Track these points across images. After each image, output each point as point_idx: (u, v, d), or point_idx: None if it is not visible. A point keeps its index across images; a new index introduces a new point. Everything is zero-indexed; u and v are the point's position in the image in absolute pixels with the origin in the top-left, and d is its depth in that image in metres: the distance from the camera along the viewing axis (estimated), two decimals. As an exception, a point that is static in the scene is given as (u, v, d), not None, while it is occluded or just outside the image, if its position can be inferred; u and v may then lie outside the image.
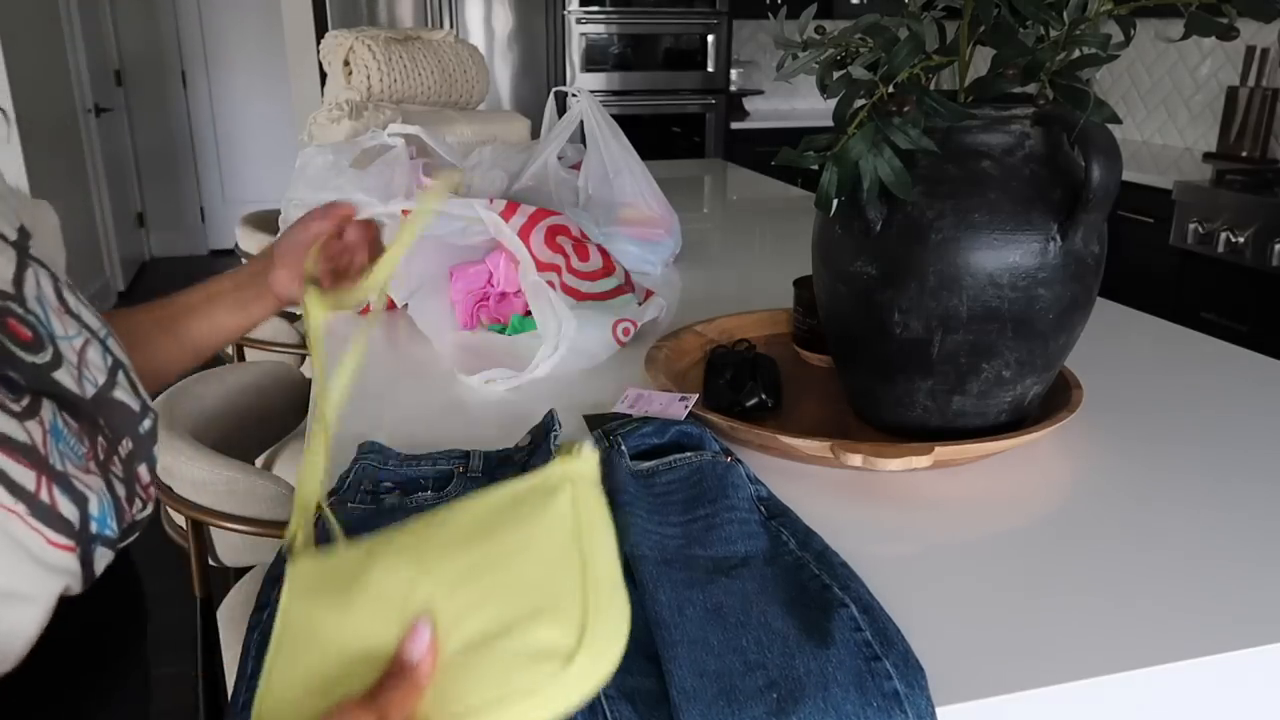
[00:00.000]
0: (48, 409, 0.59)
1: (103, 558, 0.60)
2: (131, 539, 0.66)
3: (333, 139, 1.87)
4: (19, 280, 0.61)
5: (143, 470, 0.67)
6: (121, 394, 0.66)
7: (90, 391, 0.63)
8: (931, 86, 0.91)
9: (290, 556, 0.51)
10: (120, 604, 0.72)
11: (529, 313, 1.34)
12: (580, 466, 0.45)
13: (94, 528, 0.59)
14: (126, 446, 0.65)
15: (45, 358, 0.61)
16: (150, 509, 0.68)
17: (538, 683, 0.40)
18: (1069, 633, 0.71)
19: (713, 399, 1.06)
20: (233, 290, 0.92)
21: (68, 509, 0.57)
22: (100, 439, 0.63)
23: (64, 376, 0.61)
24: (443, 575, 0.42)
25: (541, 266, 1.32)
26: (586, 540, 0.42)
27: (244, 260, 2.26)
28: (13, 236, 0.63)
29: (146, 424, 0.68)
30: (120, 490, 0.63)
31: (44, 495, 0.56)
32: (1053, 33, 0.87)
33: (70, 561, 0.57)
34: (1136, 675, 0.67)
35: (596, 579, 0.42)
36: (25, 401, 0.57)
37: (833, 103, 0.91)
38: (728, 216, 2.33)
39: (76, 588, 0.59)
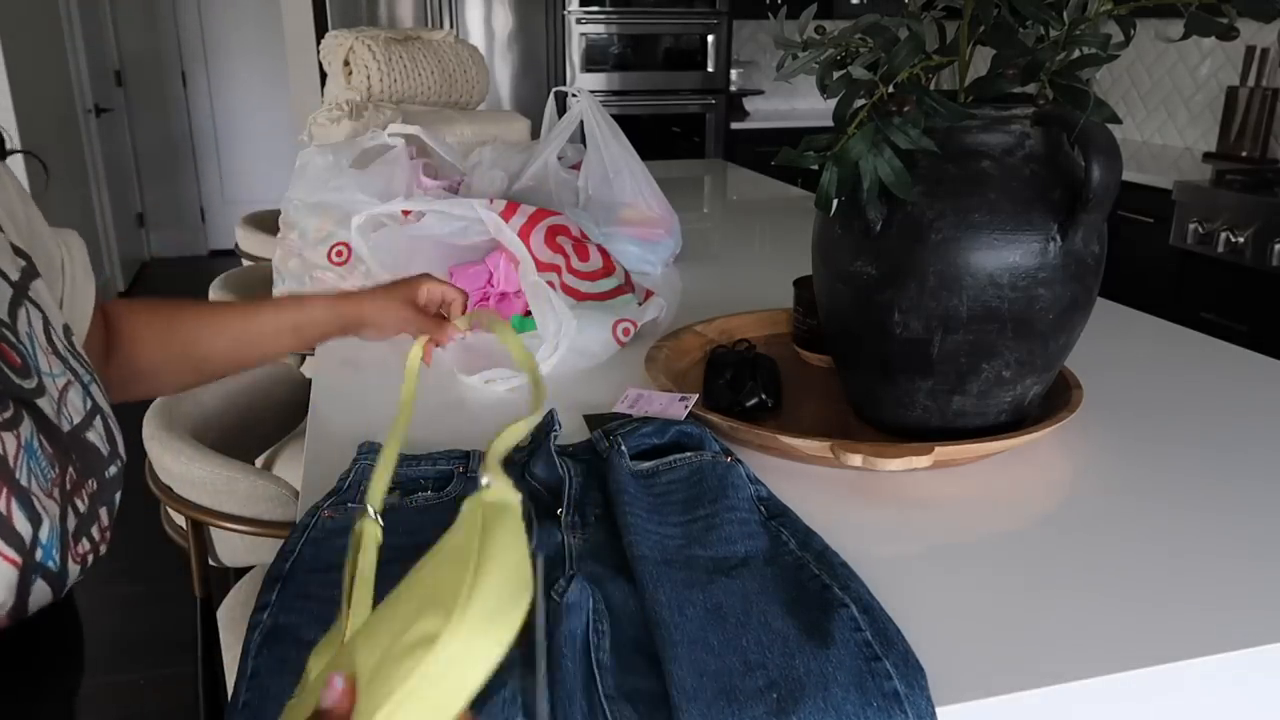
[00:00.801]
0: (26, 426, 0.59)
1: (40, 594, 0.60)
2: (72, 582, 0.65)
3: (333, 139, 1.87)
4: (13, 314, 0.63)
5: (103, 513, 0.67)
6: (94, 436, 0.67)
7: (65, 428, 0.64)
8: (931, 86, 0.91)
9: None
10: (56, 650, 0.71)
11: (529, 313, 1.34)
12: (490, 495, 0.46)
13: (39, 555, 0.59)
14: (91, 487, 0.66)
15: (30, 385, 0.62)
16: (102, 552, 0.67)
17: (411, 670, 0.40)
18: (1069, 633, 0.71)
19: (713, 399, 1.06)
20: (321, 333, 1.02)
21: (22, 525, 0.57)
22: (71, 470, 0.63)
23: (45, 405, 0.62)
24: (371, 619, 0.45)
25: (541, 266, 1.32)
26: (485, 540, 0.43)
27: (244, 260, 2.27)
28: (14, 277, 0.65)
29: (113, 469, 0.69)
30: (71, 523, 0.62)
31: (1, 506, 0.56)
32: (1053, 33, 0.87)
33: (11, 576, 0.57)
34: (1136, 675, 0.67)
35: (485, 571, 0.42)
36: (8, 413, 0.58)
37: (833, 103, 0.91)
38: (728, 216, 2.33)
39: (3, 615, 0.58)
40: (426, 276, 1.01)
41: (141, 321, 0.91)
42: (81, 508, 0.64)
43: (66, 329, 0.70)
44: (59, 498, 0.61)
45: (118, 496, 0.69)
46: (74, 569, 0.63)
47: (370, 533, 0.61)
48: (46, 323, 0.67)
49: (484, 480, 0.47)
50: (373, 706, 0.41)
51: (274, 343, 0.97)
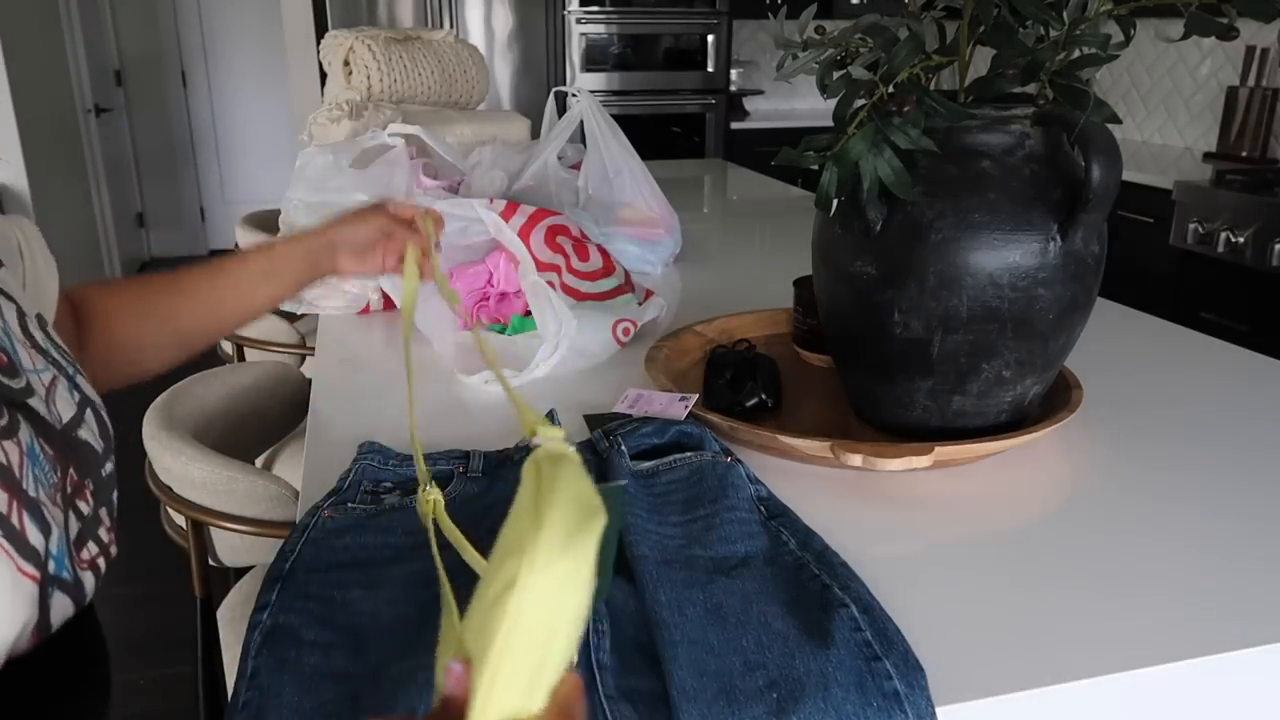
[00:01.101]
0: (25, 431, 0.57)
1: (61, 607, 0.57)
2: (91, 592, 0.60)
3: (333, 139, 1.87)
4: None
5: (104, 513, 0.64)
6: (86, 434, 0.64)
7: (57, 427, 0.61)
8: (931, 86, 0.91)
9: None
10: (82, 674, 0.66)
11: (529, 313, 1.34)
12: (542, 451, 0.46)
13: (52, 566, 0.56)
14: (89, 487, 0.63)
15: (19, 385, 0.59)
16: (113, 554, 0.64)
17: (500, 620, 0.39)
18: (1069, 633, 0.71)
19: (713, 399, 1.06)
20: (294, 273, 0.97)
21: (35, 538, 0.54)
22: (71, 472, 0.60)
23: (37, 405, 0.59)
24: (472, 603, 0.43)
25: (541, 266, 1.32)
26: (544, 484, 0.43)
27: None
28: None
29: (109, 466, 0.66)
30: (73, 529, 0.59)
31: (14, 519, 0.53)
32: (1053, 33, 0.87)
33: (33, 591, 0.54)
34: (1136, 675, 0.67)
35: (548, 505, 0.41)
36: (4, 420, 0.55)
37: (833, 103, 0.91)
38: (728, 216, 2.33)
39: (26, 637, 0.54)
40: (387, 201, 0.98)
41: (113, 303, 0.88)
42: (85, 510, 0.61)
43: (40, 318, 0.67)
44: (61, 503, 0.58)
45: (115, 496, 0.67)
46: (86, 576, 0.60)
47: (436, 501, 0.62)
48: (20, 314, 0.64)
49: (535, 441, 0.48)
50: (480, 670, 0.39)
51: (249, 297, 0.94)
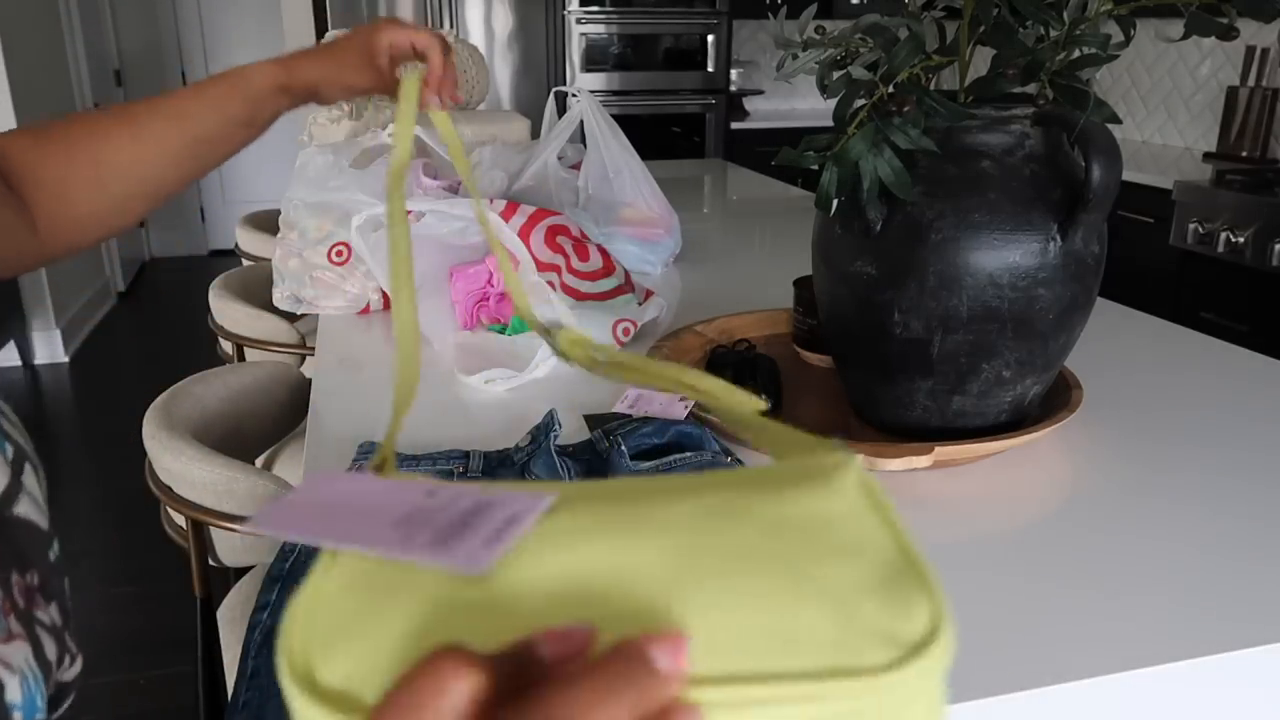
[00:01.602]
0: None
1: None
2: (65, 707, 0.49)
3: (333, 139, 1.87)
4: None
5: (54, 610, 0.49)
6: (26, 507, 0.48)
7: None
8: (931, 86, 0.91)
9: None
10: None
11: (529, 313, 1.34)
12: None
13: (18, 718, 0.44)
14: (33, 581, 0.48)
15: None
16: (80, 664, 0.50)
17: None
18: (1069, 632, 0.71)
19: (713, 399, 1.05)
20: (269, 114, 0.91)
21: None
22: (14, 574, 0.45)
23: None
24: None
25: (541, 266, 1.32)
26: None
27: (244, 260, 2.26)
28: None
29: (56, 547, 0.50)
30: (50, 649, 0.46)
31: None
32: (1053, 33, 0.87)
33: None
34: (1136, 675, 0.67)
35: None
36: None
37: (833, 103, 0.91)
38: (728, 216, 2.33)
39: None
40: (389, 23, 0.86)
41: (59, 162, 0.74)
42: (48, 620, 0.46)
43: None
44: (21, 624, 0.44)
45: (67, 584, 0.51)
46: (60, 696, 0.48)
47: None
48: None
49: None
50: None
51: (225, 145, 0.86)
